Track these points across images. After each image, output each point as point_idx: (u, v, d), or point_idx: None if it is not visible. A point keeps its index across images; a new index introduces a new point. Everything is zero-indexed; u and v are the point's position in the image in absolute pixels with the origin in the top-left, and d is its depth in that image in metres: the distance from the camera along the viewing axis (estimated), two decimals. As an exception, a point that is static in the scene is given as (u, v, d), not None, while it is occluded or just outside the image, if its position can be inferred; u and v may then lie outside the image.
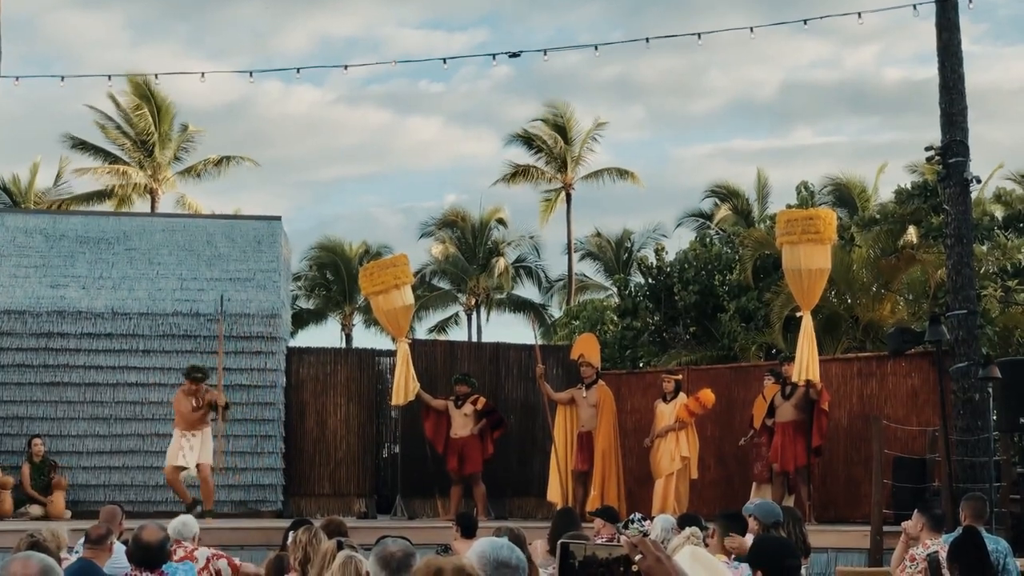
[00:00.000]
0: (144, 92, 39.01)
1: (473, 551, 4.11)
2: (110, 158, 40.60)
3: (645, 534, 9.72)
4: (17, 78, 18.01)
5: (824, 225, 15.95)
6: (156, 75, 23.64)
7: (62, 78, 18.19)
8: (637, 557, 2.85)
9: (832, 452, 17.04)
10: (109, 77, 19.28)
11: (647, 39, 17.02)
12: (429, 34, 75.32)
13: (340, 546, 7.15)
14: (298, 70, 18.25)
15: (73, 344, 17.96)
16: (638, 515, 10.79)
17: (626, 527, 9.33)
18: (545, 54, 18.28)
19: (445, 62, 18.40)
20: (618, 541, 3.04)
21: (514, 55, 18.35)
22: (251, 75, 18.68)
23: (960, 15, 17.16)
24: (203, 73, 19.11)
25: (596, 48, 17.55)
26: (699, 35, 17.56)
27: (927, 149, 17.16)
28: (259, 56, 73.80)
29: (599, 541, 3.57)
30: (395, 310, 17.32)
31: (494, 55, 18.37)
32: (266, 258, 18.92)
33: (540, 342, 20.15)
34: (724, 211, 38.00)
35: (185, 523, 10.30)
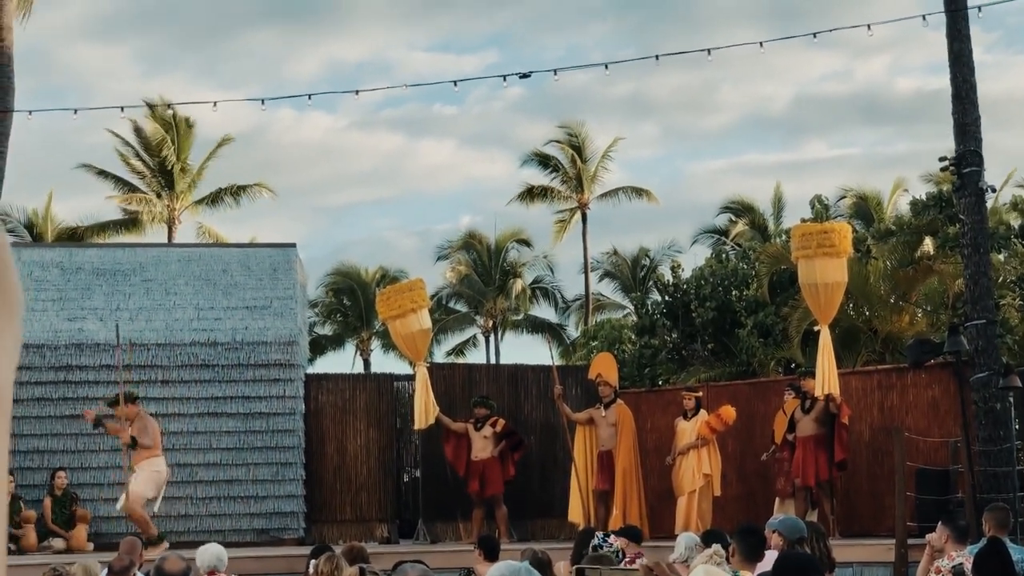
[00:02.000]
0: (165, 121, 39.17)
1: (490, 574, 4.10)
2: (128, 187, 40.74)
3: (616, 553, 9.70)
4: (31, 112, 18.08)
5: (839, 238, 15.92)
6: (169, 105, 23.62)
7: (75, 111, 18.25)
8: (655, 579, 2.83)
9: (855, 465, 16.97)
10: (122, 108, 19.33)
11: (656, 56, 17.02)
12: (439, 57, 75.40)
13: (362, 572, 7.16)
14: (310, 96, 18.21)
15: (92, 376, 17.97)
16: (600, 534, 10.75)
17: (594, 550, 9.29)
18: (556, 73, 18.31)
19: (456, 84, 18.46)
20: (635, 563, 3.03)
21: (525, 76, 18.37)
22: (263, 103, 18.68)
23: (971, 24, 17.13)
24: (215, 102, 19.15)
25: (607, 67, 17.49)
26: (709, 51, 17.53)
27: (941, 159, 17.14)
28: (271, 83, 73.99)
29: (621, 565, 3.55)
30: (413, 334, 17.32)
31: (504, 76, 18.34)
32: (282, 285, 18.95)
33: (557, 362, 20.09)
34: (740, 226, 37.94)
35: (218, 555, 10.26)
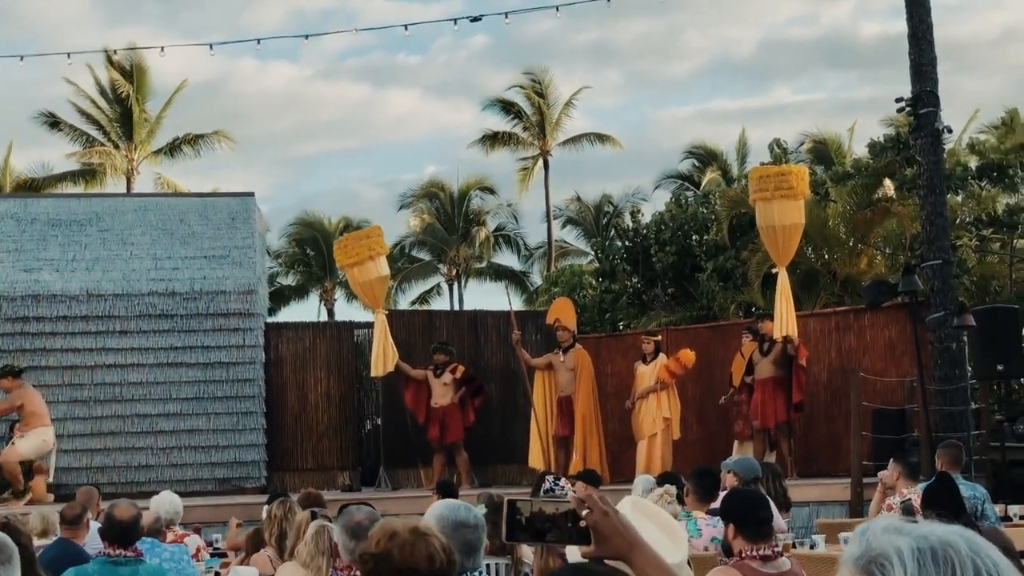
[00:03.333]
0: (124, 69, 38.78)
1: (430, 513, 4.11)
2: (86, 138, 40.36)
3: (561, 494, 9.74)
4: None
5: (797, 180, 15.95)
6: (115, 51, 23.36)
7: (21, 57, 18.05)
8: (584, 512, 2.83)
9: (813, 407, 17.09)
10: (68, 55, 19.07)
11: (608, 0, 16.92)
12: (404, 5, 75.05)
13: (313, 516, 7.16)
14: (258, 41, 18.05)
15: (49, 328, 17.84)
16: (551, 478, 10.79)
17: (546, 494, 9.32)
18: (507, 17, 18.23)
19: (407, 28, 18.28)
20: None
21: (475, 19, 18.37)
22: (211, 47, 18.51)
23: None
24: (163, 48, 19.03)
25: (558, 9, 17.41)
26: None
27: (897, 100, 17.16)
28: (232, 33, 73.44)
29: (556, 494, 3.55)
30: (371, 281, 17.26)
31: (455, 20, 18.26)
32: (240, 234, 18.86)
33: (517, 308, 20.10)
34: (710, 174, 37.90)
35: (172, 502, 10.24)
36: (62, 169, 40.59)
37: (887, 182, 24.19)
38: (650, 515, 3.47)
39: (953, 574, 1.82)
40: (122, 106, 39.46)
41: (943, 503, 7.48)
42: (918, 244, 19.00)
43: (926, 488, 8.23)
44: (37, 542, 8.73)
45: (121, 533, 7.17)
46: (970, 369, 16.39)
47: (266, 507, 8.80)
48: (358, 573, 3.75)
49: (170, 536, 9.74)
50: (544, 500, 2.98)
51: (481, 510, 5.10)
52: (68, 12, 70.96)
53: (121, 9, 71.81)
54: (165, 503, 10.21)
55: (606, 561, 2.84)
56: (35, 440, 16.17)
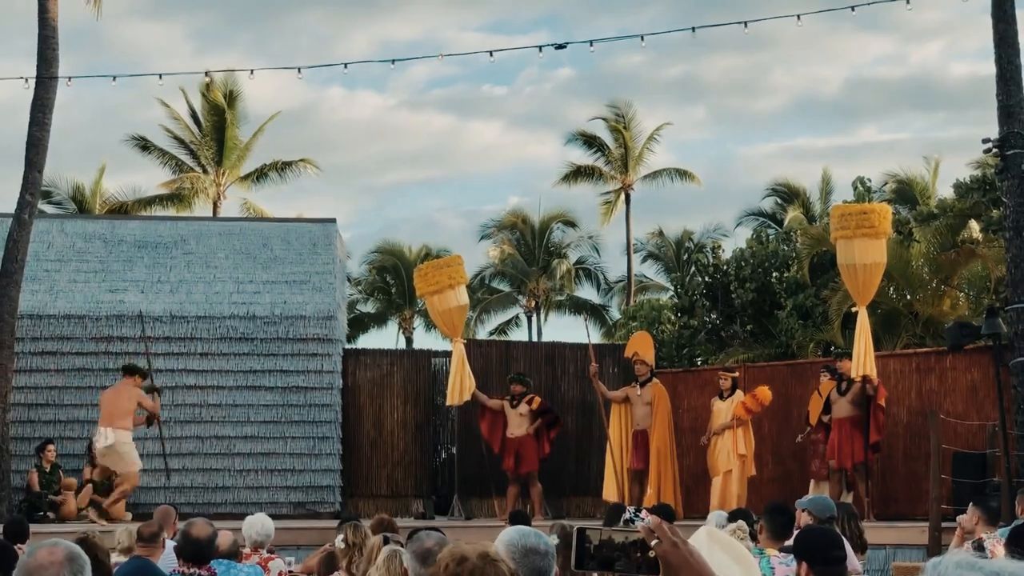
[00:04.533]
0: (216, 97, 39.30)
1: (500, 540, 4.11)
2: (176, 162, 40.89)
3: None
4: (70, 79, 18.20)
5: (879, 219, 15.81)
6: (206, 72, 23.78)
7: (114, 78, 18.38)
8: (654, 542, 2.83)
9: (892, 448, 16.90)
10: (160, 76, 19.40)
11: (693, 29, 16.98)
12: (489, 37, 75.58)
13: (386, 541, 7.20)
14: (345, 65, 18.22)
15: (132, 348, 18.09)
16: (632, 509, 10.74)
17: (625, 524, 9.28)
18: (592, 45, 18.28)
19: (492, 54, 18.37)
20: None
21: (560, 47, 18.47)
22: (299, 71, 18.72)
23: (1018, 7, 16.97)
24: (252, 71, 19.22)
25: (643, 38, 17.44)
26: (745, 24, 17.45)
27: (984, 141, 16.97)
28: (321, 61, 74.08)
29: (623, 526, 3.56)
30: (450, 310, 17.33)
31: (540, 47, 18.35)
32: (322, 260, 19.04)
33: (595, 341, 20.07)
34: (792, 212, 37.67)
35: (266, 531, 10.27)
36: (152, 193, 41.18)
37: (972, 224, 23.94)
38: (724, 546, 3.46)
39: None
40: (215, 131, 39.96)
41: None
42: (1002, 287, 18.76)
43: (1015, 527, 8.10)
44: (119, 558, 8.86)
45: (197, 551, 7.26)
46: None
47: (338, 532, 8.85)
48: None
49: (255, 558, 9.80)
50: (614, 529, 2.98)
51: (553, 540, 5.10)
52: (162, 41, 72.07)
53: (213, 38, 72.95)
54: (257, 524, 10.26)
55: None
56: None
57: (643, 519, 10.80)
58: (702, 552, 2.94)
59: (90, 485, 16.91)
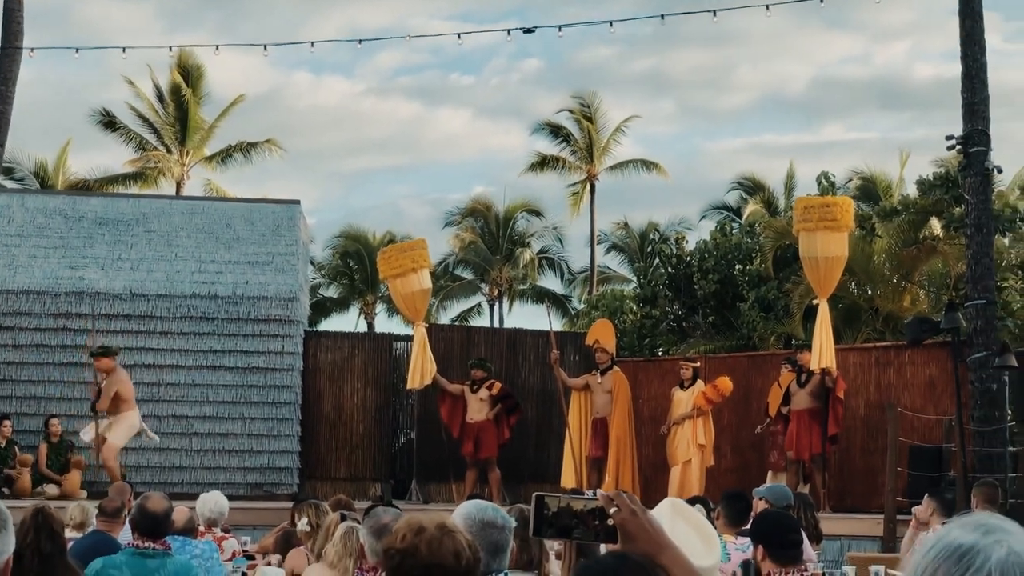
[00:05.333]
0: (181, 72, 39.05)
1: (458, 513, 4.10)
2: (140, 140, 40.62)
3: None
4: (32, 50, 18.04)
5: (841, 212, 15.88)
6: (170, 48, 23.72)
7: (77, 50, 18.22)
8: (612, 510, 2.82)
9: (849, 441, 16.98)
10: (124, 50, 19.23)
11: (662, 16, 17.05)
12: (459, 25, 75.31)
13: (343, 518, 7.18)
14: (312, 44, 18.13)
15: (91, 325, 17.96)
16: (590, 492, 10.78)
17: None
18: (560, 30, 18.29)
19: (460, 37, 18.34)
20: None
21: (529, 31, 18.45)
22: (265, 48, 18.61)
23: (989, 11, 17.08)
24: (217, 46, 19.12)
25: (611, 25, 17.45)
26: (715, 12, 17.50)
27: (948, 138, 17.06)
28: (289, 46, 73.64)
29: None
30: (412, 294, 17.30)
31: (508, 31, 18.32)
32: (284, 241, 18.95)
33: (557, 329, 20.07)
34: (753, 205, 37.78)
35: (220, 509, 10.21)
36: (116, 172, 40.89)
37: (934, 221, 24.05)
38: (687, 517, 3.45)
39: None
40: (178, 110, 39.73)
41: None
42: (962, 284, 18.88)
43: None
44: (72, 534, 8.81)
45: (152, 525, 7.19)
46: (1010, 411, 16.24)
47: (296, 514, 8.82)
48: (383, 574, 3.74)
49: (208, 536, 9.74)
50: (572, 497, 2.97)
51: (511, 518, 5.09)
52: (130, 20, 71.56)
53: (181, 18, 72.39)
54: (211, 502, 10.21)
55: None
56: (124, 427, 16.33)
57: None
58: (663, 522, 2.93)
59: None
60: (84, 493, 16.66)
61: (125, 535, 8.70)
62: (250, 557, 11.10)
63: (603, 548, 3.02)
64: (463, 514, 4.09)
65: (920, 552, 1.93)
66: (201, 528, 9.89)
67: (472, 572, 3.49)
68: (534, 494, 3.01)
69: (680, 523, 3.29)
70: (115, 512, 8.93)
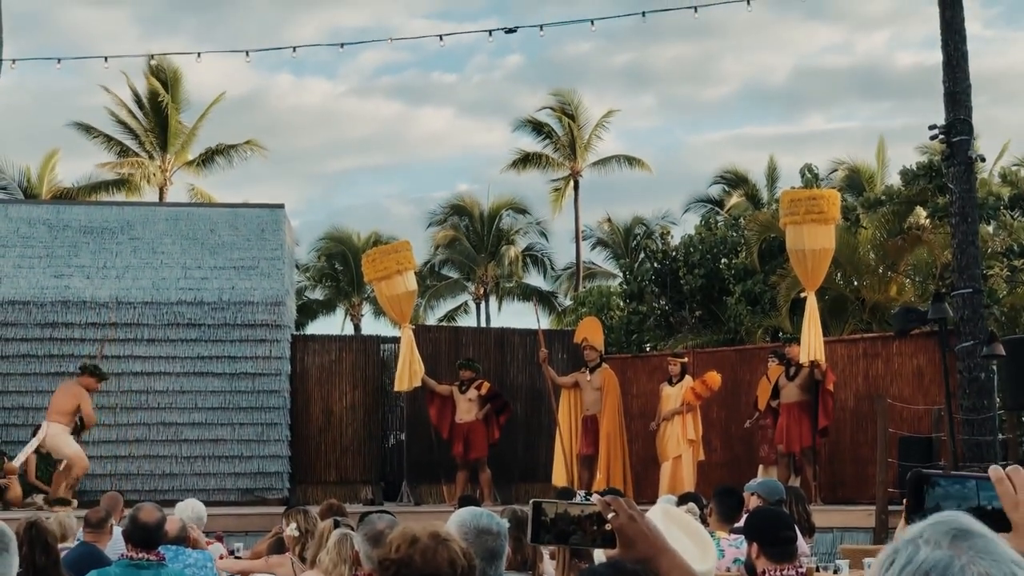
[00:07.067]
0: (160, 78, 38.93)
1: (452, 521, 4.09)
2: (120, 147, 40.50)
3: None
4: (14, 61, 17.99)
5: (828, 205, 15.89)
6: (151, 55, 23.69)
7: (58, 60, 18.18)
8: (610, 515, 2.81)
9: (839, 433, 17.01)
10: (106, 59, 19.21)
11: (643, 13, 17.04)
12: (439, 24, 75.45)
13: (336, 524, 7.17)
14: (294, 49, 18.14)
15: (78, 334, 17.95)
16: (582, 493, 10.77)
17: None
18: (541, 29, 18.28)
19: (442, 39, 18.34)
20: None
21: (511, 31, 18.46)
22: (247, 54, 18.58)
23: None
24: (199, 53, 19.10)
25: (592, 23, 17.46)
26: (695, 9, 17.49)
27: (931, 128, 17.09)
28: (269, 48, 73.51)
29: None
30: (398, 296, 17.28)
31: (490, 31, 18.33)
32: (270, 246, 18.92)
33: (545, 327, 20.08)
34: (736, 198, 37.85)
35: (195, 508, 10.23)
36: (98, 179, 40.76)
37: (919, 210, 24.09)
38: (680, 524, 3.45)
39: None
40: (158, 116, 39.62)
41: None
42: (948, 273, 18.92)
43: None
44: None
45: (145, 536, 7.17)
46: (999, 400, 16.28)
47: (286, 520, 8.80)
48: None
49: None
50: (570, 503, 2.97)
51: (505, 524, 5.09)
52: (107, 26, 71.41)
53: (159, 24, 72.20)
54: (188, 509, 10.21)
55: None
56: (64, 436, 16.21)
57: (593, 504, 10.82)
58: (657, 529, 2.92)
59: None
60: (75, 502, 16.61)
61: (113, 545, 8.69)
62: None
63: (599, 553, 3.01)
64: (458, 522, 4.08)
65: (882, 568, 1.84)
66: (193, 535, 9.87)
67: (468, 580, 3.48)
68: (531, 501, 3.00)
69: (674, 530, 3.28)
70: (100, 523, 8.89)
